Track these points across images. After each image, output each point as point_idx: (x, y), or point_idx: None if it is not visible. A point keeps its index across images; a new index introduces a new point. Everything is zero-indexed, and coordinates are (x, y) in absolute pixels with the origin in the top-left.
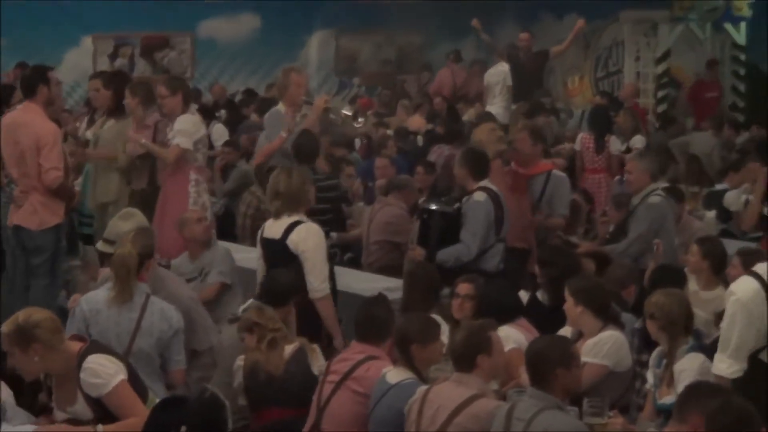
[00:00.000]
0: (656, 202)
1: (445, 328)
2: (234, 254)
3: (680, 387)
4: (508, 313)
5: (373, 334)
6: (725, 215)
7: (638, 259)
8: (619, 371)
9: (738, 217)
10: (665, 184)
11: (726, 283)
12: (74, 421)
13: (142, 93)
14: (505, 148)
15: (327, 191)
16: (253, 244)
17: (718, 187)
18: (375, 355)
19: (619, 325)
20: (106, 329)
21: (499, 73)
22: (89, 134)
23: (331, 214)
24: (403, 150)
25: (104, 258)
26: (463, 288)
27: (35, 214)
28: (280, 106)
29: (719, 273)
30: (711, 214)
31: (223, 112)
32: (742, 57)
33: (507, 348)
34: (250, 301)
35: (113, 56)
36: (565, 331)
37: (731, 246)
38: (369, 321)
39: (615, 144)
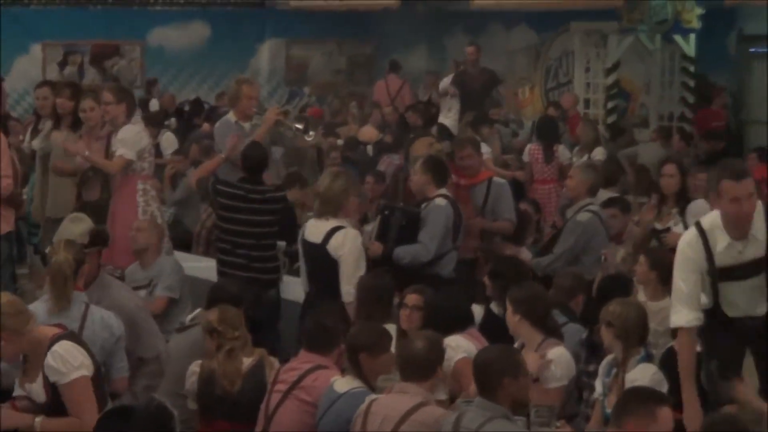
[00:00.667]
0: (584, 219)
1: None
2: (185, 263)
3: None
4: (459, 322)
5: (322, 343)
6: None
7: (591, 269)
8: (566, 383)
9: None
10: (613, 194)
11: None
12: (28, 400)
13: (128, 99)
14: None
15: (274, 203)
16: (208, 254)
17: None
18: (323, 365)
19: (559, 336)
20: None
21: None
22: (35, 144)
23: (277, 226)
24: (351, 160)
25: None
26: (412, 299)
27: None
28: (231, 116)
29: (667, 284)
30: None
31: (172, 121)
32: (692, 68)
33: (457, 357)
34: (198, 310)
35: (63, 64)
36: None
37: None
38: (317, 330)
39: (564, 153)
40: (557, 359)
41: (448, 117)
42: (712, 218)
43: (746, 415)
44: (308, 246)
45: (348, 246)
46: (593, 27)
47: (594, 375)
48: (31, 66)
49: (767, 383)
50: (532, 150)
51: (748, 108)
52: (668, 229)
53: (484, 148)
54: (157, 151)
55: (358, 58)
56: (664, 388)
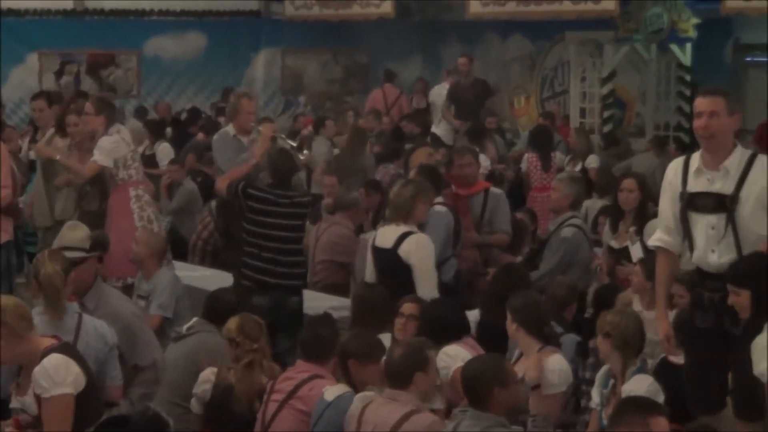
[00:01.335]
0: (569, 235)
1: None
2: (181, 272)
3: None
4: (455, 331)
5: (318, 352)
6: None
7: (579, 282)
8: (564, 390)
9: None
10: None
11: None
12: (25, 413)
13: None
14: (443, 171)
15: (301, 207)
16: (203, 264)
17: None
18: (319, 374)
19: (557, 345)
20: None
21: (441, 95)
22: (32, 154)
23: (303, 233)
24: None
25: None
26: (408, 308)
27: None
28: (230, 129)
29: None
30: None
31: (168, 130)
32: (688, 78)
33: (455, 366)
34: (195, 319)
35: (59, 74)
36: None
37: None
38: (314, 340)
39: (559, 160)
40: (554, 368)
41: (440, 127)
42: None
43: None
44: (379, 252)
45: (420, 251)
46: (589, 36)
47: (590, 383)
48: (27, 75)
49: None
50: (529, 158)
51: (745, 117)
52: (625, 249)
53: (483, 161)
54: (154, 161)
55: (353, 67)
56: (661, 398)
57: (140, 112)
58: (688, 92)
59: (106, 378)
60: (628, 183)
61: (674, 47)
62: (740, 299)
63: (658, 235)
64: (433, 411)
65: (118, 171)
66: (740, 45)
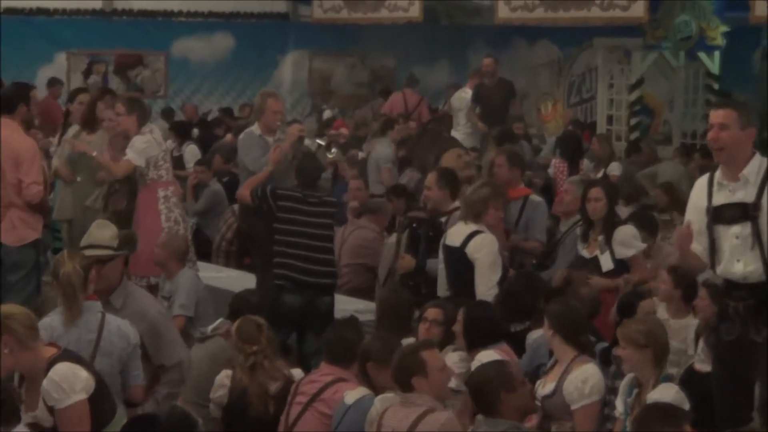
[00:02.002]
0: None
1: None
2: (205, 273)
3: None
4: (490, 336)
5: (342, 356)
6: None
7: None
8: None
9: None
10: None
11: (695, 312)
12: (36, 426)
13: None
14: (473, 174)
15: (329, 206)
16: (228, 265)
17: None
18: (343, 378)
19: (592, 354)
20: None
21: (462, 99)
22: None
23: (333, 233)
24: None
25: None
26: (432, 312)
27: (14, 230)
28: (255, 128)
29: (690, 301)
30: None
31: (195, 131)
32: (716, 86)
33: None
34: (220, 320)
35: (87, 73)
36: None
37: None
38: (338, 343)
39: (587, 167)
40: (587, 377)
41: (458, 130)
42: None
43: None
44: (448, 250)
45: (484, 250)
46: (617, 43)
47: (612, 390)
48: (55, 75)
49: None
50: (557, 164)
51: None
52: (595, 258)
53: None
54: (181, 162)
55: (380, 71)
56: (686, 407)
57: (167, 113)
58: (716, 100)
59: (128, 378)
60: (595, 192)
61: (702, 55)
62: None
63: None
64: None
65: (149, 171)
66: None
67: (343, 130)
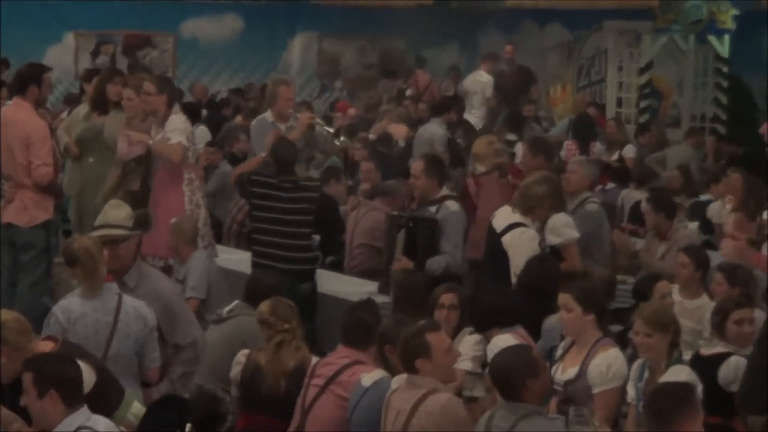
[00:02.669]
0: (593, 209)
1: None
2: (221, 255)
3: None
4: (506, 319)
5: (359, 338)
6: (708, 227)
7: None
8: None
9: (720, 230)
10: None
11: (709, 293)
12: None
13: (169, 90)
14: (504, 161)
15: (306, 191)
16: (239, 247)
17: (702, 198)
18: (360, 360)
19: (612, 337)
20: (85, 337)
21: (477, 82)
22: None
23: (311, 217)
24: (381, 154)
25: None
26: (447, 298)
27: (25, 211)
28: (268, 116)
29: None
30: (694, 225)
31: (204, 113)
32: (725, 69)
33: None
34: (236, 302)
35: (95, 54)
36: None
37: (713, 258)
38: (355, 325)
39: (599, 151)
40: (610, 361)
41: (472, 114)
42: None
43: None
44: (490, 230)
45: (522, 245)
46: (627, 26)
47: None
48: (63, 55)
49: None
50: (568, 146)
51: None
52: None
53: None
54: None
55: (390, 52)
56: (699, 388)
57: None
58: (725, 84)
59: (145, 359)
60: None
61: (712, 38)
62: None
63: None
64: (474, 399)
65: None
66: None
67: (351, 111)
